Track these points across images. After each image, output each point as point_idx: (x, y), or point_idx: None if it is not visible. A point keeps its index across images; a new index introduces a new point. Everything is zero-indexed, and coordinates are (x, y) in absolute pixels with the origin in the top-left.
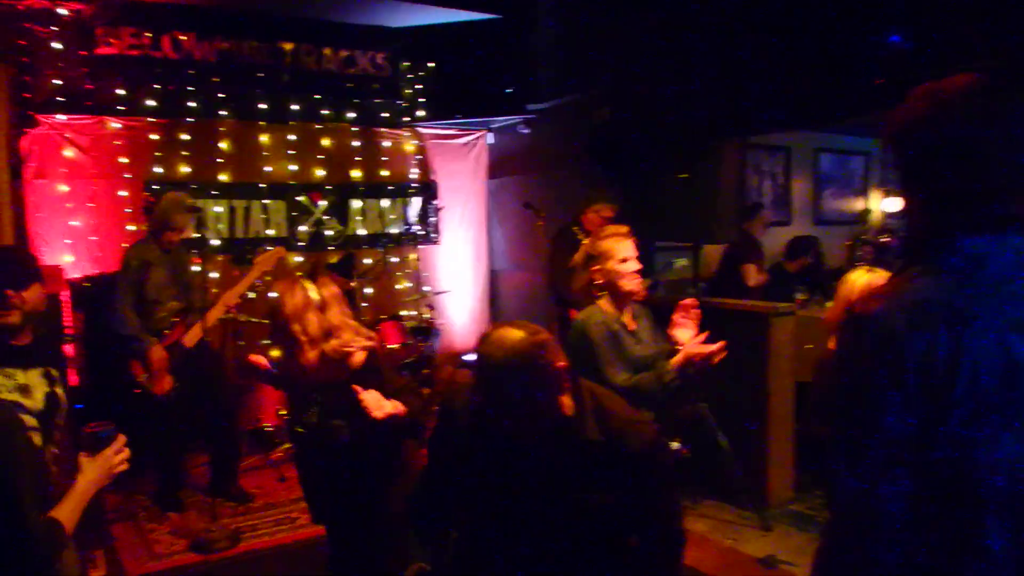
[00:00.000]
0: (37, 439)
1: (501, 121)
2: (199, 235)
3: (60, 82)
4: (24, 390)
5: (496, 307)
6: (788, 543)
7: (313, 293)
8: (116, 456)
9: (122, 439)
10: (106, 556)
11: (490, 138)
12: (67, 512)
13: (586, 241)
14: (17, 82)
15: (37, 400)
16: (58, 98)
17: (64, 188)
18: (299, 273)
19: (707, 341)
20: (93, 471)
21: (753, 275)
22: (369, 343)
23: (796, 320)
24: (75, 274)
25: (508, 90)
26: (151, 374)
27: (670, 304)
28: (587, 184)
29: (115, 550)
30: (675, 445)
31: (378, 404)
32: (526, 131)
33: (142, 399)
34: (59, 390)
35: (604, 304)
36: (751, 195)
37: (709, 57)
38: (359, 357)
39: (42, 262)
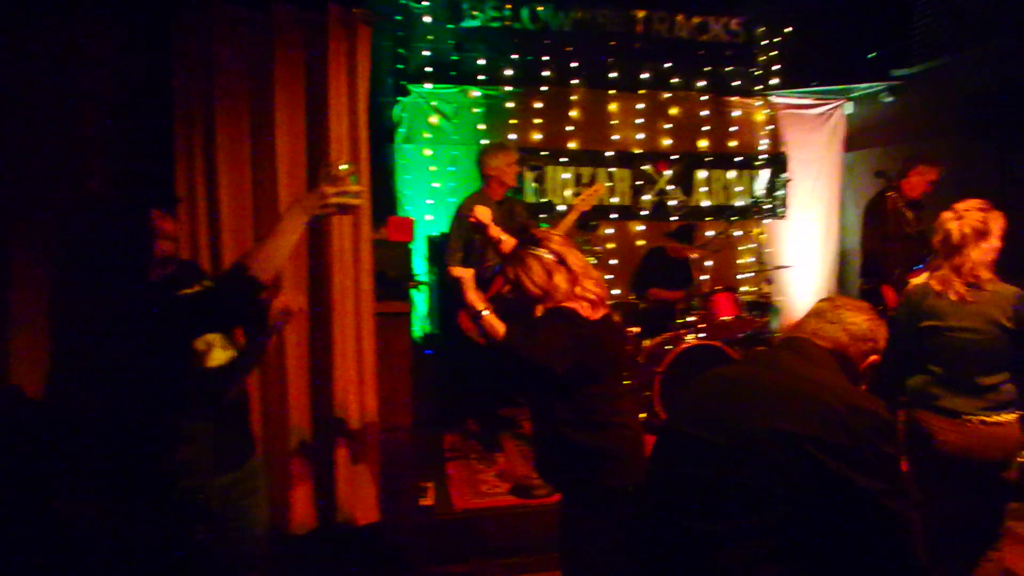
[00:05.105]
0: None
1: (862, 89)
2: (545, 200)
3: (429, 53)
4: None
5: (844, 289)
6: None
7: (544, 254)
8: (331, 188)
9: (349, 168)
10: (436, 489)
11: (848, 107)
12: (261, 252)
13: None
14: (393, 54)
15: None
16: (427, 68)
17: (428, 152)
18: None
19: None
20: (307, 198)
21: None
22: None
23: None
24: (433, 232)
25: (870, 55)
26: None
27: None
28: (957, 158)
29: (447, 485)
30: None
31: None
32: (890, 99)
33: (469, 347)
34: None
35: None
36: None
37: None
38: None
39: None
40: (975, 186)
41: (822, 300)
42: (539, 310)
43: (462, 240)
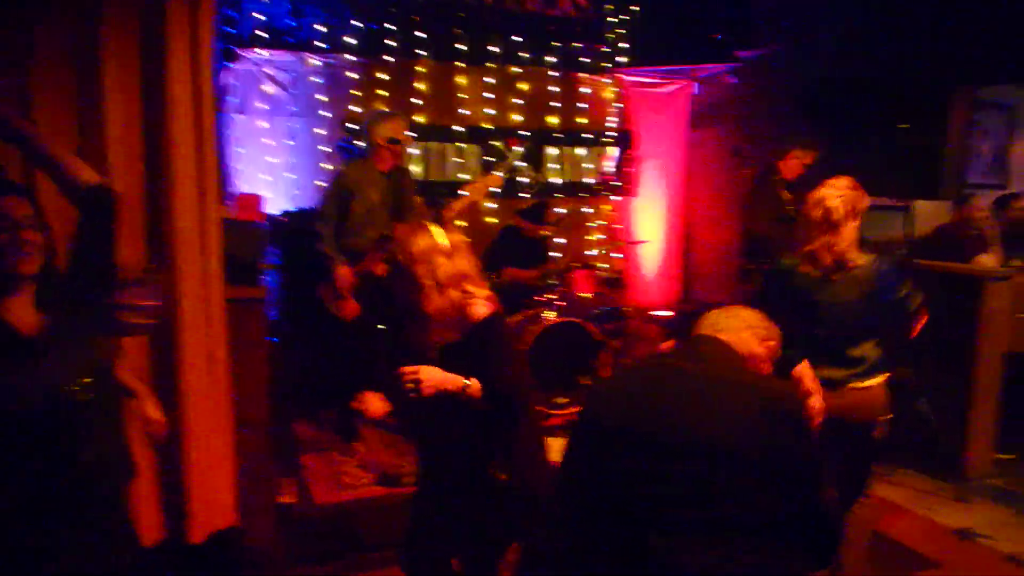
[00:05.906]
0: None
1: (708, 70)
2: None
3: (263, 17)
4: None
5: (689, 263)
6: (986, 516)
7: (441, 239)
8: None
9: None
10: (297, 485)
11: (694, 87)
12: None
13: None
14: (222, 17)
15: None
16: (260, 33)
17: (264, 124)
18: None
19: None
20: None
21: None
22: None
23: (1013, 286)
24: (273, 210)
25: (717, 36)
26: (336, 296)
27: None
28: (793, 137)
29: (305, 480)
30: None
31: (430, 377)
32: (733, 80)
33: (328, 323)
34: None
35: None
36: (970, 155)
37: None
38: (481, 310)
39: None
40: (810, 168)
41: (709, 311)
42: (429, 297)
43: (337, 213)
